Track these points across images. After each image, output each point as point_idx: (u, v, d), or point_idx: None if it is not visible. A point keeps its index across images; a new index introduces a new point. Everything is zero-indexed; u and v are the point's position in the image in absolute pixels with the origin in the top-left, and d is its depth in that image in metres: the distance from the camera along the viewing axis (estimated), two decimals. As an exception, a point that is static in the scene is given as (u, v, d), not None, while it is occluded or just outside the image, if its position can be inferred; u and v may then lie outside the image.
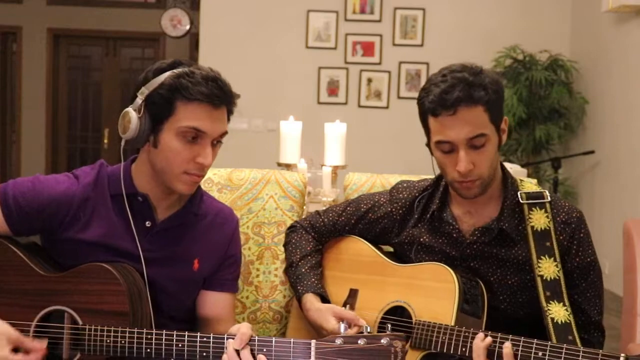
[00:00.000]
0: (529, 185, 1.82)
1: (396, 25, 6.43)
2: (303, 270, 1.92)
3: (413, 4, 6.41)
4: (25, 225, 1.67)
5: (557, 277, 1.70)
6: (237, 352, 1.51)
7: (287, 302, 2.10)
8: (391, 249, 1.97)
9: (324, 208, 2.08)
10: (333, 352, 1.45)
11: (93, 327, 1.59)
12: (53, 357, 1.62)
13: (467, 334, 1.61)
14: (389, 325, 1.56)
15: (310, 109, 6.30)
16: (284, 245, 2.05)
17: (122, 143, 1.66)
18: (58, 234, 1.68)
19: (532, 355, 1.52)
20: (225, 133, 1.67)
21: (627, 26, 5.39)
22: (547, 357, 1.50)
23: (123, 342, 1.58)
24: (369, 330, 1.48)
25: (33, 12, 8.73)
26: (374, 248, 1.93)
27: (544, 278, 1.71)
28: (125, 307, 1.59)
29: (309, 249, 1.97)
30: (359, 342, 1.44)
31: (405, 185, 1.94)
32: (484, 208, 1.80)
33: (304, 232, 2.01)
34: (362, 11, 6.41)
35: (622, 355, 1.42)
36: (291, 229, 2.05)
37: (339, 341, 1.46)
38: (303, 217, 2.12)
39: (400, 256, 1.91)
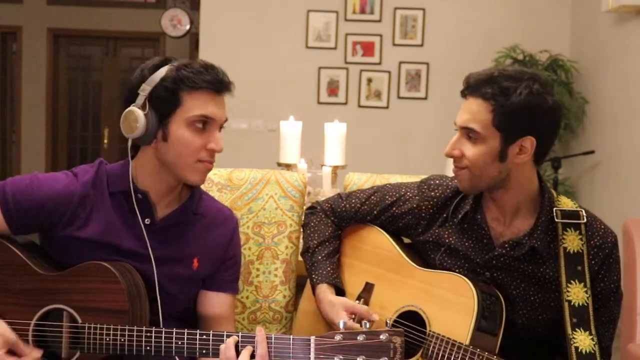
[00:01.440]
0: (565, 201, 1.76)
1: (396, 25, 6.42)
2: (320, 257, 1.90)
3: (413, 4, 6.41)
4: (24, 223, 1.67)
5: (586, 304, 1.65)
6: (237, 349, 1.52)
7: (287, 302, 2.10)
8: (411, 242, 1.93)
9: (347, 192, 2.05)
10: (332, 349, 1.45)
11: (92, 326, 1.59)
12: (52, 356, 1.62)
13: (481, 356, 1.58)
14: (388, 322, 1.55)
15: (310, 109, 6.29)
16: (303, 227, 2.03)
17: (129, 142, 1.66)
18: (57, 232, 1.68)
19: None
20: (226, 120, 1.70)
21: (627, 26, 5.38)
22: None
23: (122, 340, 1.58)
24: (367, 326, 1.48)
25: (33, 12, 8.72)
26: (395, 244, 1.89)
27: (572, 304, 1.65)
28: (124, 305, 1.59)
29: (327, 234, 1.95)
30: (358, 338, 1.44)
31: (437, 182, 1.88)
32: (515, 219, 1.75)
33: (323, 216, 1.99)
34: (362, 11, 6.40)
35: None
36: (311, 211, 2.03)
37: (338, 337, 1.46)
38: (324, 198, 2.09)
39: (421, 254, 1.88)
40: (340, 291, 1.87)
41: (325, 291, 1.83)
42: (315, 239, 1.94)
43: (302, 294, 2.06)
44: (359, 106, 6.49)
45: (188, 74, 1.61)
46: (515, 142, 1.66)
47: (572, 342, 1.62)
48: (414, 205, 1.88)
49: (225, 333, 1.55)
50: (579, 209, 1.73)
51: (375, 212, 1.93)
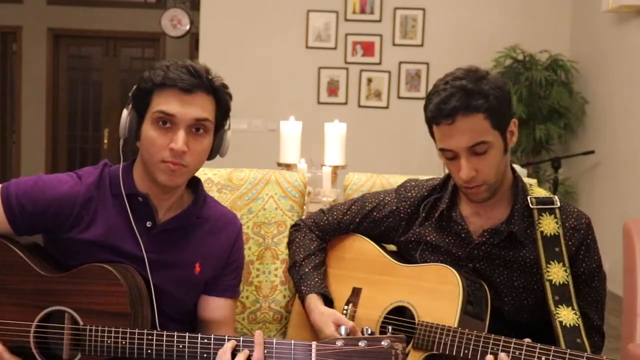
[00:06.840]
0: (539, 190, 1.83)
1: (396, 25, 6.43)
2: (307, 269, 1.93)
3: (413, 4, 6.41)
4: (28, 225, 1.67)
5: (566, 282, 1.71)
6: (234, 353, 1.51)
7: (287, 302, 2.10)
8: (394, 248, 1.97)
9: (328, 206, 2.08)
10: (334, 354, 1.45)
11: (94, 328, 1.59)
12: (53, 358, 1.62)
13: (470, 336, 1.61)
14: (390, 327, 1.56)
15: (310, 109, 6.30)
16: (288, 244, 2.06)
17: (121, 142, 1.67)
18: (60, 233, 1.67)
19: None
20: (204, 120, 1.63)
21: (627, 26, 5.39)
22: None
23: (124, 342, 1.57)
24: (369, 332, 1.48)
25: (33, 12, 8.73)
26: (378, 247, 1.93)
27: (553, 283, 1.71)
28: (125, 308, 1.59)
29: (312, 247, 1.98)
30: (360, 344, 1.44)
31: (413, 184, 1.95)
32: (493, 210, 1.80)
33: (307, 231, 2.01)
34: (362, 11, 6.41)
35: None
36: (295, 228, 2.06)
37: (339, 343, 1.45)
38: (306, 215, 2.12)
39: (404, 255, 1.91)
40: (328, 300, 1.90)
41: (315, 301, 1.86)
42: (302, 253, 1.98)
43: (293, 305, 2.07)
44: (359, 106, 6.50)
45: (159, 73, 1.61)
46: (508, 130, 1.74)
47: (556, 317, 1.68)
48: (394, 208, 1.92)
49: (226, 337, 1.55)
50: (552, 195, 1.80)
51: (357, 220, 1.97)
